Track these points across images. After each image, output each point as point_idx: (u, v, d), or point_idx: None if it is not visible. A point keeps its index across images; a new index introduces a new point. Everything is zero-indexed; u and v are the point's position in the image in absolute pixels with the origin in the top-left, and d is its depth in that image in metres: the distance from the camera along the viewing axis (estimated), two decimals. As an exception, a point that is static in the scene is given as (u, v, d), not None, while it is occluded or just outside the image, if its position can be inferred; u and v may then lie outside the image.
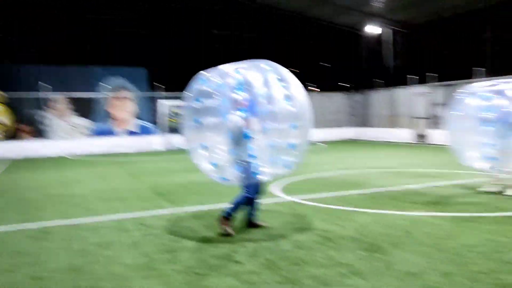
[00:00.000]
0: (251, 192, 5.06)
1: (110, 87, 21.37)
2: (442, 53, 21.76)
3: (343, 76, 25.79)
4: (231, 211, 5.08)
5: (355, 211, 6.16)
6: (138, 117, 22.09)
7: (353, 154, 15.91)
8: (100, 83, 21.19)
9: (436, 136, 18.68)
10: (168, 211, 6.54)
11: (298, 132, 4.86)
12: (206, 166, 5.03)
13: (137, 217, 6.15)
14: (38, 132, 19.83)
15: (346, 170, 10.78)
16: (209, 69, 5.19)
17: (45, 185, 9.63)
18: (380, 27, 24.04)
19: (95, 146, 19.45)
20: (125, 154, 18.14)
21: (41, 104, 19.90)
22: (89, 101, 21.01)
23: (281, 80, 4.82)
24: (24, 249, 4.76)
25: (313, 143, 5.39)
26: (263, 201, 5.85)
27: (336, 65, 25.64)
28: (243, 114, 4.71)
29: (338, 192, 7.65)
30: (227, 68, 4.96)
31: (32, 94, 19.46)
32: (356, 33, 26.25)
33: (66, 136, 20.37)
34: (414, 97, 21.01)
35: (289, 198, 7.19)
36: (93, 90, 21.04)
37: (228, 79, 4.83)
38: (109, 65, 21.51)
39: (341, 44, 26.38)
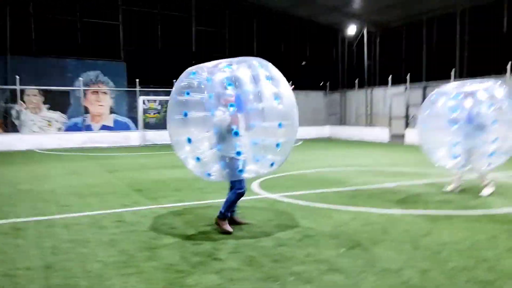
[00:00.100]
0: (242, 188, 5.02)
1: (85, 80, 20.87)
2: (419, 55, 22.25)
3: (321, 74, 26.01)
4: (224, 211, 5.02)
5: (333, 208, 6.22)
6: (115, 112, 21.69)
7: (330, 152, 16.08)
8: (75, 76, 20.68)
9: (412, 135, 19.07)
10: (146, 207, 6.42)
11: (285, 131, 4.83)
12: (189, 160, 4.94)
13: (114, 214, 6.02)
14: (9, 126, 19.19)
15: (324, 168, 10.87)
16: (198, 65, 5.10)
17: (16, 181, 9.32)
18: (359, 27, 24.35)
19: (69, 141, 18.99)
20: (100, 149, 17.77)
21: (12, 96, 19.26)
22: (63, 94, 20.48)
23: (270, 78, 4.78)
24: (-5, 246, 4.58)
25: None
26: (242, 198, 5.81)
27: (314, 64, 25.82)
28: (231, 110, 4.64)
29: (316, 190, 7.70)
30: (217, 63, 4.88)
31: (3, 86, 18.81)
32: (335, 33, 26.53)
33: (39, 130, 19.80)
34: (391, 97, 21.38)
35: (268, 195, 7.19)
36: (67, 83, 20.52)
37: (217, 75, 4.75)
38: (85, 57, 21.02)
39: (320, 43, 26.61)
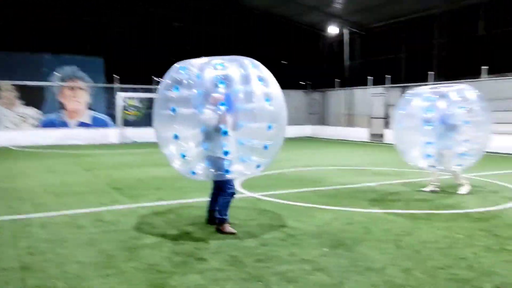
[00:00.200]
0: (232, 188, 4.95)
1: (62, 76, 20.34)
2: (398, 56, 22.61)
3: (302, 74, 26.10)
4: (221, 216, 4.92)
5: (315, 207, 6.24)
6: (92, 108, 21.24)
7: (311, 151, 16.16)
8: (51, 71, 20.14)
9: (391, 135, 19.35)
10: (126, 206, 6.30)
11: (274, 133, 4.78)
12: (175, 157, 4.83)
13: (93, 213, 5.88)
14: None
15: (305, 167, 10.92)
16: (188, 60, 5.00)
17: (-11, 178, 9.01)
18: (340, 28, 24.54)
19: (44, 138, 18.49)
20: (77, 147, 17.39)
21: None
22: (38, 90, 19.93)
23: (261, 79, 4.72)
24: (-33, 247, 4.40)
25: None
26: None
27: (295, 63, 25.90)
28: (222, 109, 4.55)
29: (297, 189, 7.72)
30: (208, 60, 4.78)
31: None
32: (316, 33, 26.67)
33: (13, 127, 19.22)
34: (371, 97, 21.66)
35: (250, 194, 7.16)
36: (43, 79, 19.97)
37: (207, 72, 4.65)
38: (61, 53, 20.50)
39: (301, 42, 26.71)
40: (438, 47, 20.57)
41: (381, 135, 20.50)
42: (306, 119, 25.66)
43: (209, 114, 4.52)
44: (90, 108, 21.18)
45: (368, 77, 21.68)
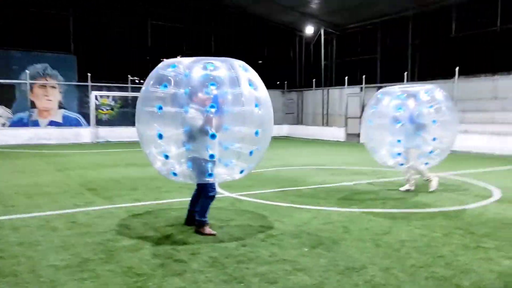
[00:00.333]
0: (213, 191, 4.85)
1: (32, 73, 19.70)
2: (374, 57, 22.95)
3: (278, 74, 26.17)
4: (201, 218, 4.81)
5: (293, 207, 6.23)
6: (64, 107, 20.67)
7: (288, 151, 16.21)
8: (21, 68, 19.47)
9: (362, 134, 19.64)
10: (101, 207, 6.12)
11: (260, 139, 4.70)
12: (157, 157, 4.68)
13: (67, 214, 5.69)
14: None
15: (283, 167, 10.92)
16: (177, 58, 4.86)
17: (-45, 179, 8.62)
18: (317, 28, 24.72)
19: (14, 137, 17.88)
20: (49, 146, 16.88)
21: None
22: (8, 88, 19.25)
23: (251, 83, 4.64)
24: None
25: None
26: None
27: (272, 63, 25.94)
28: (212, 111, 4.42)
29: (276, 189, 7.70)
30: (198, 60, 4.64)
31: None
32: (293, 33, 26.79)
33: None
34: (347, 97, 21.91)
35: (228, 194, 7.09)
36: (12, 76, 19.29)
37: (196, 71, 4.52)
38: (32, 49, 19.85)
39: (278, 42, 26.77)
40: (413, 48, 21.00)
41: (357, 135, 20.77)
42: (283, 119, 25.75)
43: (193, 114, 4.40)
44: (62, 107, 20.62)
45: (344, 77, 21.93)
